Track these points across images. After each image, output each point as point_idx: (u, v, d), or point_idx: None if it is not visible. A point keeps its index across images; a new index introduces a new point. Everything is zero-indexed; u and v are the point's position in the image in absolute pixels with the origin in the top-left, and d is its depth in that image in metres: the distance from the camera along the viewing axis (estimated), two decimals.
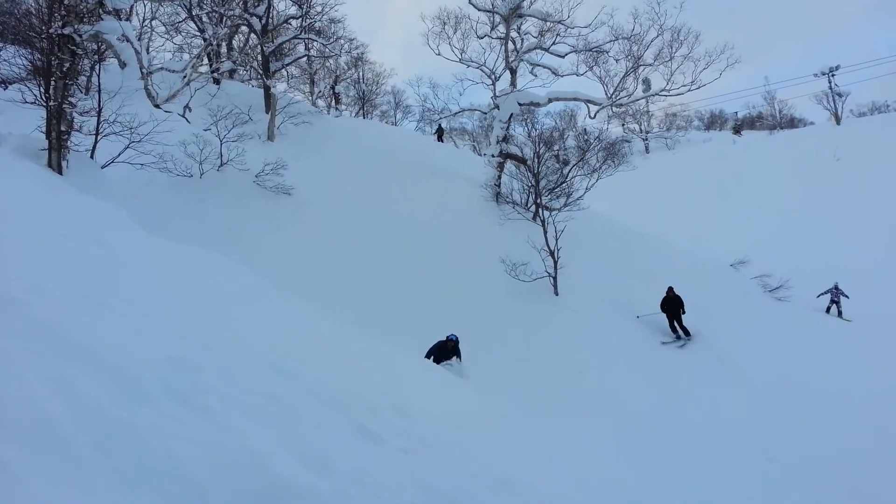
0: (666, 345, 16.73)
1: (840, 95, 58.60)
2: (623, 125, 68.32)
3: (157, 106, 17.61)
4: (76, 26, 12.98)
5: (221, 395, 3.36)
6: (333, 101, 36.56)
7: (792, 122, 69.33)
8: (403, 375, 6.15)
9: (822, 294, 22.40)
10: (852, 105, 62.43)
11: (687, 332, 17.10)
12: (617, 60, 23.53)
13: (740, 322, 18.56)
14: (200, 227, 15.34)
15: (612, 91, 23.50)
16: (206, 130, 18.78)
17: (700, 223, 35.75)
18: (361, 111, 43.28)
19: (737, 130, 68.91)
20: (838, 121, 58.20)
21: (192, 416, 3.04)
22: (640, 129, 68.90)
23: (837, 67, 58.55)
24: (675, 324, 17.18)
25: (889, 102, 64.31)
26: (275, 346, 4.62)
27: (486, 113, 27.49)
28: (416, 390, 5.76)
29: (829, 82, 58.78)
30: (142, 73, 17.27)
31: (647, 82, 37.74)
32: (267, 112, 23.27)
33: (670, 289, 17.48)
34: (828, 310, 22.15)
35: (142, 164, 14.74)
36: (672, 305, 17.26)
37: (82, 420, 2.68)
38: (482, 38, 24.90)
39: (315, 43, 27.37)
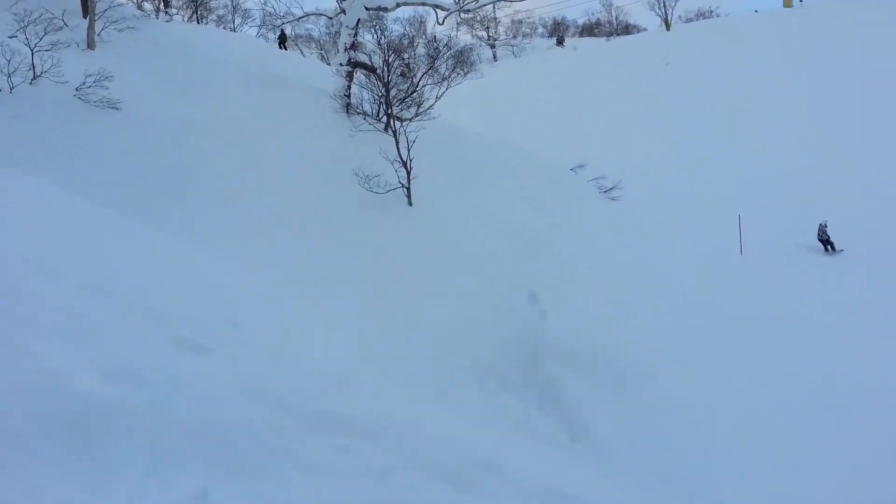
0: None
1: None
2: (472, 32, 68.39)
3: None
4: None
5: (18, 317, 3.15)
6: (162, 4, 33.39)
7: (627, 29, 72.59)
8: (241, 288, 6.05)
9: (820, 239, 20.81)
10: (681, 11, 66.26)
11: None
12: None
13: (582, 221, 19.95)
14: (13, 145, 13.78)
15: None
16: (11, 38, 16.56)
17: (544, 129, 37.04)
18: (195, 16, 39.94)
19: (559, 42, 71.24)
20: (668, 27, 61.63)
21: None
22: (488, 36, 69.31)
23: None
24: None
25: (712, 8, 68.98)
26: (85, 264, 4.35)
27: (331, 18, 26.33)
28: (253, 301, 5.70)
29: None
30: None
31: None
32: (85, 17, 20.80)
33: None
34: (826, 250, 20.60)
35: None
36: None
37: None
38: None
39: None
